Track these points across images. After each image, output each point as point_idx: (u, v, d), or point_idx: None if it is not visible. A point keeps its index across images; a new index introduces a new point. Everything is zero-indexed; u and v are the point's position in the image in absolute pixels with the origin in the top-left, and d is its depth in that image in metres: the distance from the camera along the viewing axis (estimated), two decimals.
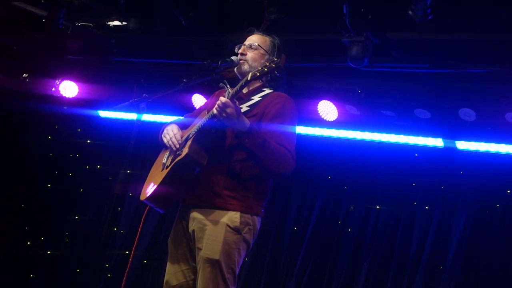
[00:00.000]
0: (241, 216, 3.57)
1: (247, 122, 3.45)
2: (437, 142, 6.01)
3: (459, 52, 5.05)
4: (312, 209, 6.73)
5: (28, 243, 7.92)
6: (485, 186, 6.02)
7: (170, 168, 3.60)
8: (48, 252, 7.82)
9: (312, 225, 6.65)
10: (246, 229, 3.60)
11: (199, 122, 3.61)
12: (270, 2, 4.91)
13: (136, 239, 4.06)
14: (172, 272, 3.71)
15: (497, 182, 5.97)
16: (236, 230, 3.56)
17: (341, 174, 6.71)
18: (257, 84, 3.74)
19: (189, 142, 3.57)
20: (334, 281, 6.43)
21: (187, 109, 6.52)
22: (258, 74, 3.39)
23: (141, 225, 4.01)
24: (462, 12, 4.61)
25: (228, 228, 3.54)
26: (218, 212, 3.57)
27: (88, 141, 8.02)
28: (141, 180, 7.30)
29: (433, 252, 6.06)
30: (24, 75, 7.22)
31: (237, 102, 3.49)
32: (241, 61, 3.76)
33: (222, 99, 3.41)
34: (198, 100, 6.43)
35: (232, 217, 3.56)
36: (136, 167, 7.52)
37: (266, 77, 3.46)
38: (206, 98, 6.35)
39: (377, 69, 5.40)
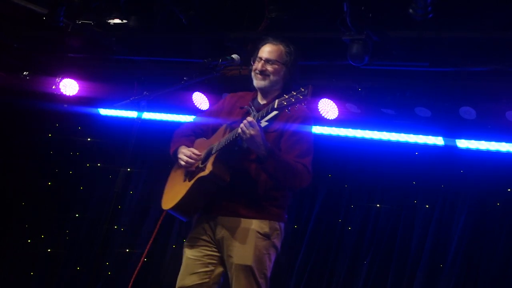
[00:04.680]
0: (269, 223, 3.68)
1: (267, 147, 3.47)
2: (438, 141, 6.00)
3: (460, 50, 5.04)
4: (312, 208, 6.72)
5: (28, 241, 7.91)
6: (486, 184, 6.00)
7: (194, 182, 3.67)
8: (48, 250, 7.82)
9: (312, 224, 6.64)
10: (274, 235, 3.70)
11: (222, 139, 3.65)
12: (270, 0, 4.91)
13: (150, 241, 4.14)
14: (186, 274, 3.79)
15: (498, 180, 5.95)
16: (266, 236, 3.66)
17: (341, 172, 6.70)
18: (272, 95, 3.75)
19: (212, 159, 3.63)
20: (334, 279, 6.42)
21: (188, 107, 6.55)
22: (285, 103, 3.37)
23: (156, 230, 4.10)
24: (462, 10, 4.61)
25: (258, 235, 3.64)
26: (247, 220, 3.67)
27: (89, 139, 8.02)
28: (141, 178, 7.44)
29: (433, 251, 6.05)
30: (24, 73, 7.21)
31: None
32: (259, 76, 3.76)
33: (249, 118, 3.46)
34: (198, 98, 6.42)
35: (261, 224, 3.66)
36: (136, 165, 7.52)
37: (293, 107, 3.38)
38: (207, 97, 6.36)
39: (377, 67, 5.40)
